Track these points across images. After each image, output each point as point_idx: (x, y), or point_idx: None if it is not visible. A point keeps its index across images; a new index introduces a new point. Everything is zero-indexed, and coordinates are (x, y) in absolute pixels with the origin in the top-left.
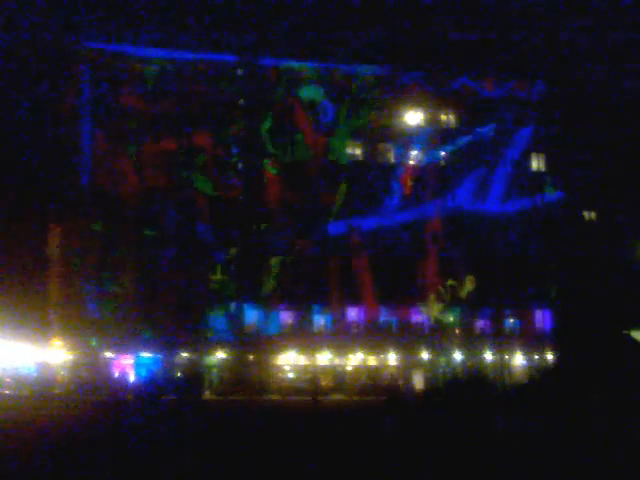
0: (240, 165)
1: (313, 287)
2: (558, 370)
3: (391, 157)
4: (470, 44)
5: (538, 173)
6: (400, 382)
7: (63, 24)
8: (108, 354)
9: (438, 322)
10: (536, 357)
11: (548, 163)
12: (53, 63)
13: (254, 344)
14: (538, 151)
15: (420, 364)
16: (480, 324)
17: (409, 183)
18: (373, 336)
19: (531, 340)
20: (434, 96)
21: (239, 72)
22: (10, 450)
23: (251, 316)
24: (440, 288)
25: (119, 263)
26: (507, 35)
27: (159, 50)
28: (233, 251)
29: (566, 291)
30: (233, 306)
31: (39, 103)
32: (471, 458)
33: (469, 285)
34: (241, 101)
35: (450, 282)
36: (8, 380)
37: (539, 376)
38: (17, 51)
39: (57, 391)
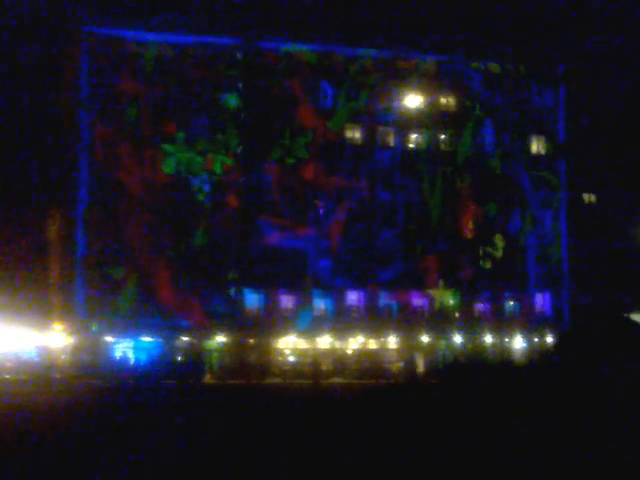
0: (240, 148)
1: (313, 271)
2: (559, 352)
3: (390, 140)
4: (475, 24)
5: (538, 155)
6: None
7: (61, 9)
8: (109, 338)
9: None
10: (536, 340)
11: (549, 146)
12: (51, 49)
13: (254, 328)
14: (539, 134)
15: (420, 347)
16: (480, 307)
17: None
18: (373, 319)
19: (531, 323)
20: (435, 79)
21: (238, 55)
22: (11, 434)
23: (252, 300)
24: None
25: (120, 248)
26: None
27: (157, 34)
28: (235, 235)
29: (568, 274)
30: (233, 290)
31: (37, 89)
32: (472, 443)
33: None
34: (240, 85)
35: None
36: (9, 364)
37: (540, 358)
38: (14, 36)
39: (58, 375)
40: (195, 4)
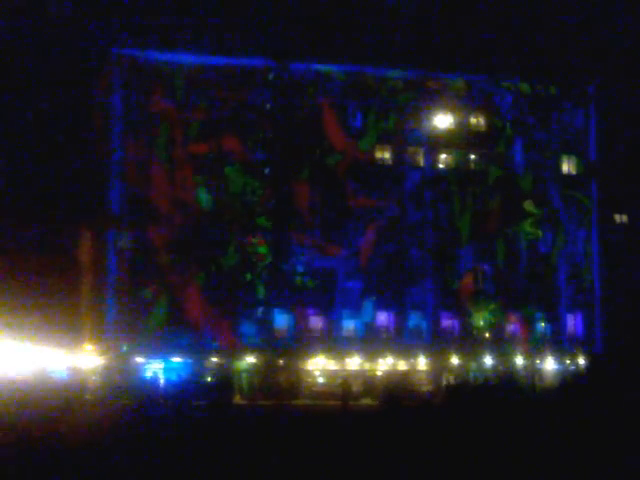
0: (269, 170)
1: (341, 291)
2: (591, 374)
3: (420, 160)
4: (507, 45)
5: (569, 175)
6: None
7: (93, 30)
8: (139, 359)
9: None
10: (568, 362)
11: (580, 165)
12: (84, 70)
13: (284, 349)
14: (569, 153)
15: (450, 369)
16: (511, 328)
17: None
18: (403, 341)
19: (563, 344)
20: (465, 99)
21: (269, 76)
22: (42, 454)
23: (281, 320)
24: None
25: (150, 268)
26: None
27: (188, 55)
28: (264, 254)
29: (600, 294)
30: (262, 310)
31: (70, 109)
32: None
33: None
34: (268, 105)
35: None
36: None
37: (572, 380)
38: (48, 57)
39: (88, 396)
40: (226, 25)
